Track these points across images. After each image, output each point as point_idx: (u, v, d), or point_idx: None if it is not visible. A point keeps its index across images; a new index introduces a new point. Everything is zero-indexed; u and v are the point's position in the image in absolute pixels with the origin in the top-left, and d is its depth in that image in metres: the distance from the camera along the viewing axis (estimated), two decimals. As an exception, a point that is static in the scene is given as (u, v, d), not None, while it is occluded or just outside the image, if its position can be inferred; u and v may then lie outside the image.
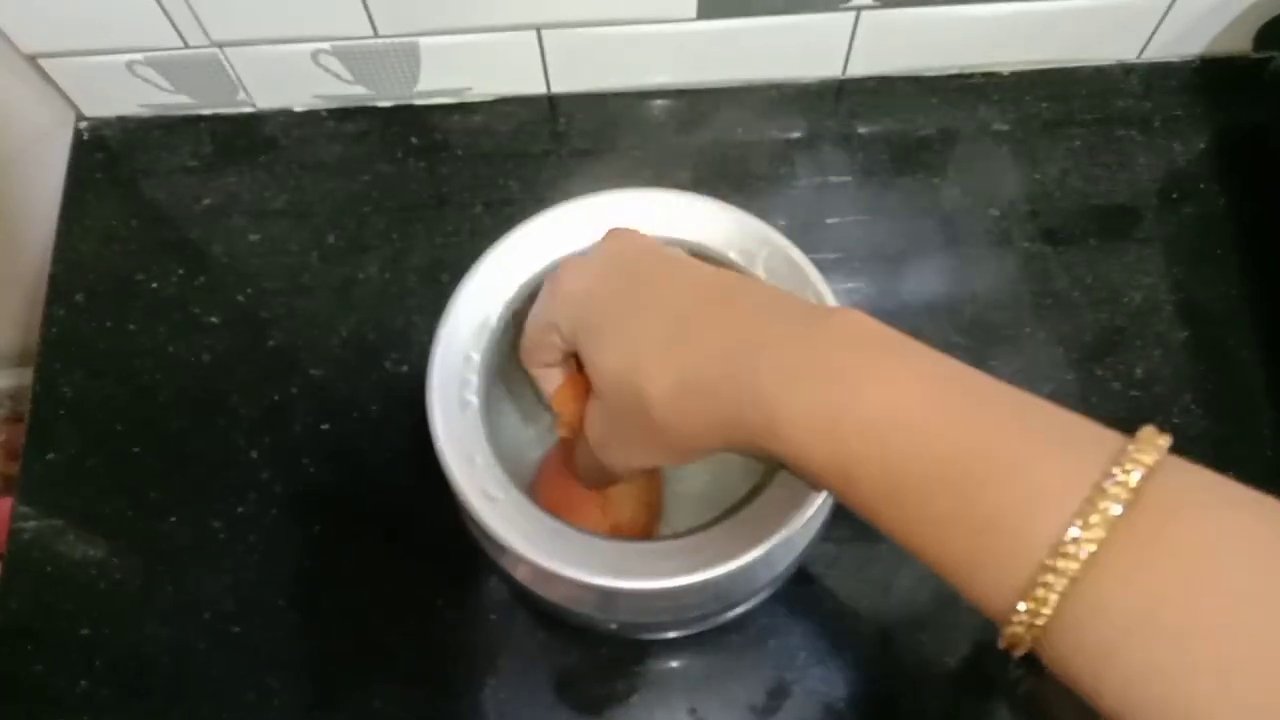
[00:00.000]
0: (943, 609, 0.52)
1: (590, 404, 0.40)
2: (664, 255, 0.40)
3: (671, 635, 0.50)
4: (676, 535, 0.40)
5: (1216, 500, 0.28)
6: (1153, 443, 0.28)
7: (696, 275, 0.38)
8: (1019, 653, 0.29)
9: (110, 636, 0.52)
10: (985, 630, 0.51)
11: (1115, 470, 0.27)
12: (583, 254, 0.42)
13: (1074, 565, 0.26)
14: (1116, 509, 0.26)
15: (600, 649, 0.51)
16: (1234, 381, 0.57)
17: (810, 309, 0.36)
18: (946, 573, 0.30)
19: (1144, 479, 0.27)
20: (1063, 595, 0.27)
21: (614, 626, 0.48)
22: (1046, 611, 0.27)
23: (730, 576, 0.39)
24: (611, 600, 0.41)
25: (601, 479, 0.43)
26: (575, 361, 0.42)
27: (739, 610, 0.48)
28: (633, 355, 0.36)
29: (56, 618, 0.52)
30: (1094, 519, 0.26)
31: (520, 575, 0.43)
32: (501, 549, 0.40)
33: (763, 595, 0.48)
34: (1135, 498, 0.27)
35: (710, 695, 0.50)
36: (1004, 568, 0.28)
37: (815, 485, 0.38)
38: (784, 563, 0.45)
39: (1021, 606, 0.28)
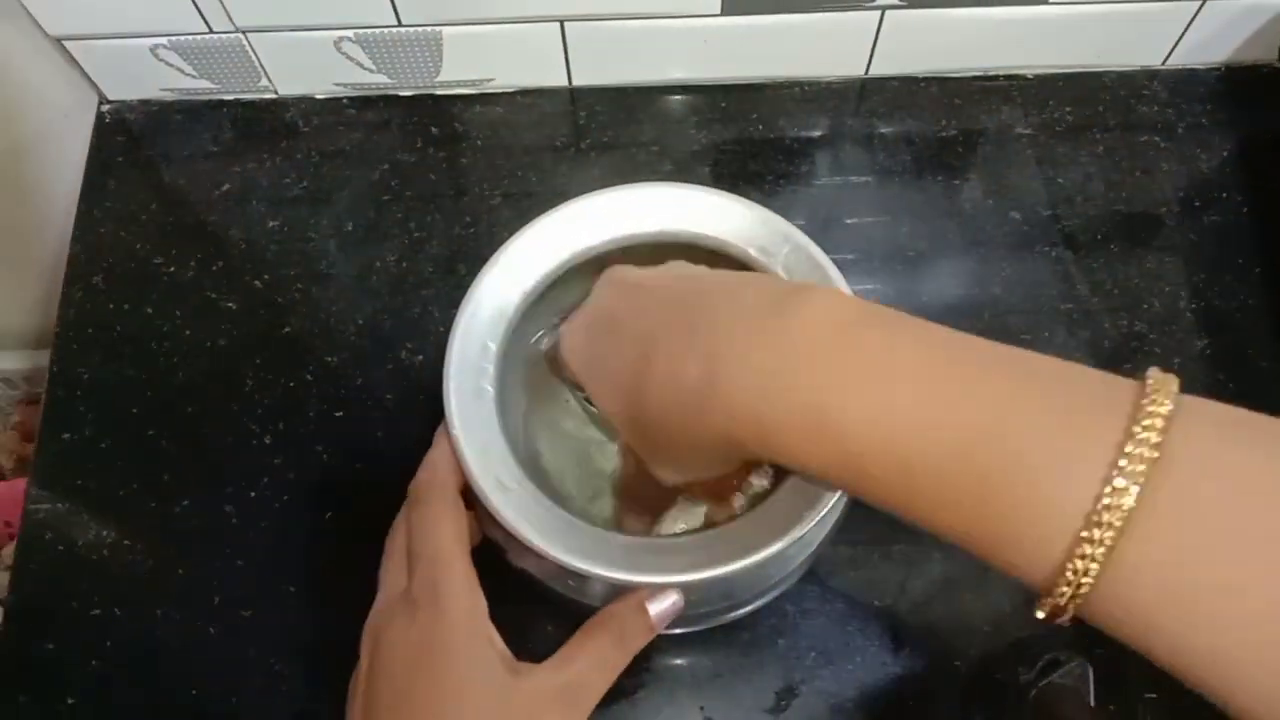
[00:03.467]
0: (953, 611, 0.51)
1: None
2: (631, 286, 0.41)
3: (680, 631, 0.50)
4: (690, 532, 0.40)
5: (1238, 442, 0.27)
6: (1165, 390, 0.27)
7: (663, 289, 0.39)
8: (1062, 620, 0.29)
9: (122, 618, 0.52)
10: (996, 634, 0.51)
11: (1135, 429, 0.26)
12: (582, 306, 0.44)
13: (1110, 533, 0.26)
14: (1142, 468, 0.26)
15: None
16: (1253, 391, 0.56)
17: (777, 297, 0.34)
18: (977, 552, 0.30)
19: (1164, 430, 0.26)
20: (1102, 563, 0.26)
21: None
22: (1088, 581, 0.27)
23: (742, 574, 0.38)
24: (622, 595, 0.41)
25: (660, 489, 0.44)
26: None
27: (749, 608, 0.48)
28: (622, 396, 0.39)
29: (69, 598, 0.52)
30: (1121, 483, 0.26)
31: (531, 566, 0.43)
32: (514, 540, 0.40)
33: (774, 594, 0.48)
34: (1159, 453, 0.26)
35: (718, 693, 0.50)
36: (1039, 544, 0.28)
37: (825, 485, 0.38)
38: (796, 561, 0.45)
39: (1064, 577, 0.27)
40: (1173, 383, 0.28)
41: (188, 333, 0.58)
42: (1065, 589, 0.27)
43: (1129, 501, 0.26)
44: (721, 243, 0.45)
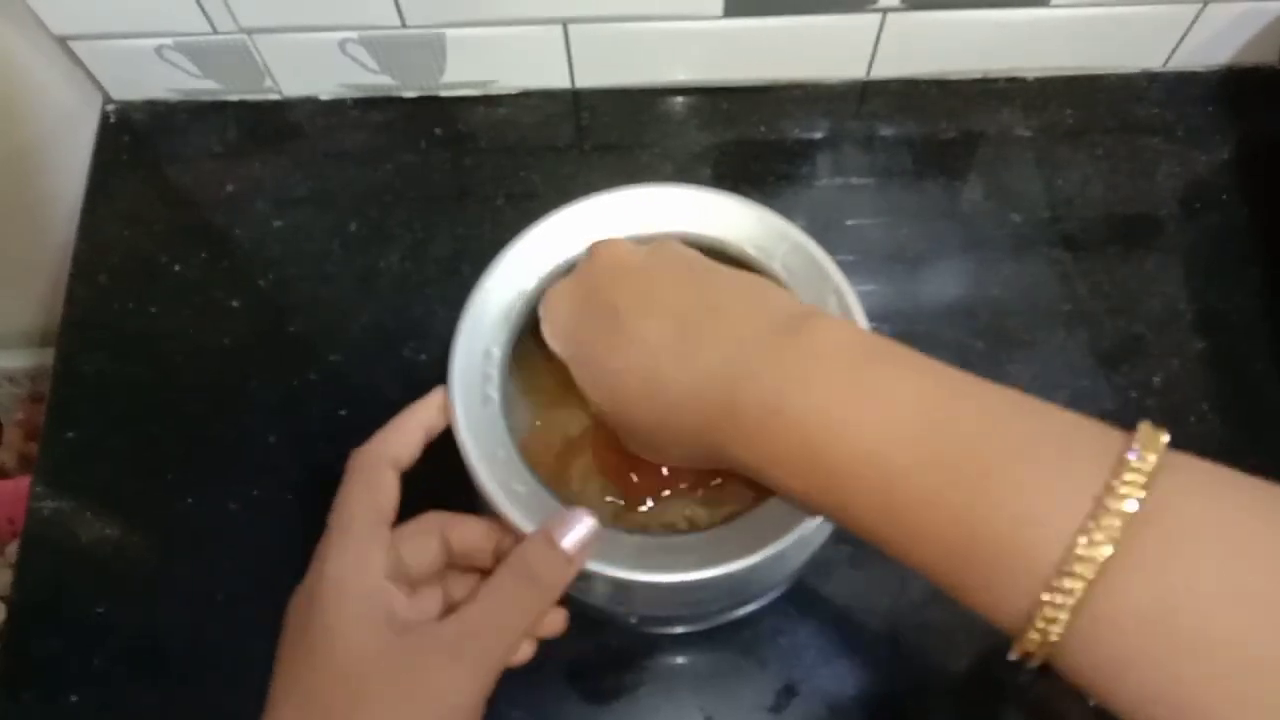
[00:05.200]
0: (953, 612, 0.51)
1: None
2: (634, 277, 0.40)
3: (681, 630, 0.50)
4: (694, 530, 0.40)
5: (1221, 505, 0.27)
6: (1153, 445, 0.27)
7: (669, 289, 0.39)
8: (1033, 664, 0.29)
9: (125, 615, 0.52)
10: (995, 634, 0.51)
11: (1116, 483, 0.27)
12: (567, 276, 0.43)
13: (1080, 584, 0.26)
14: (1118, 523, 0.26)
15: (610, 642, 0.51)
16: (1251, 392, 0.56)
17: (782, 321, 0.35)
18: (952, 590, 0.30)
19: (1146, 486, 0.26)
20: (1073, 611, 0.27)
21: (634, 620, 0.48)
22: (1057, 630, 0.27)
23: (750, 571, 0.39)
24: (630, 592, 0.42)
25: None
26: None
27: (751, 607, 0.48)
28: (608, 391, 0.39)
29: (72, 595, 0.53)
30: (1098, 536, 0.26)
31: None
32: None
33: (775, 593, 0.48)
34: (1139, 508, 0.26)
35: (718, 692, 0.50)
36: (1012, 587, 0.28)
37: (807, 510, 0.38)
38: (798, 560, 0.45)
39: (1034, 624, 0.27)
40: (1161, 437, 0.28)
41: (192, 332, 0.59)
42: (1035, 635, 0.28)
43: (1102, 553, 0.26)
44: (720, 241, 0.45)
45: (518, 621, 0.36)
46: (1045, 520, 0.27)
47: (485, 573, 0.40)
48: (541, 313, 0.43)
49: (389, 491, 0.39)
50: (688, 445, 0.38)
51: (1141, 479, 0.26)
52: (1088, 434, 0.29)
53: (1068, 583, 0.26)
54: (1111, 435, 0.28)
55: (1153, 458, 0.27)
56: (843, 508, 0.32)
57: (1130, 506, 0.26)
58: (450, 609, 0.38)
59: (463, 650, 0.35)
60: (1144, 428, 0.28)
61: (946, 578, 0.30)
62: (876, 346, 0.34)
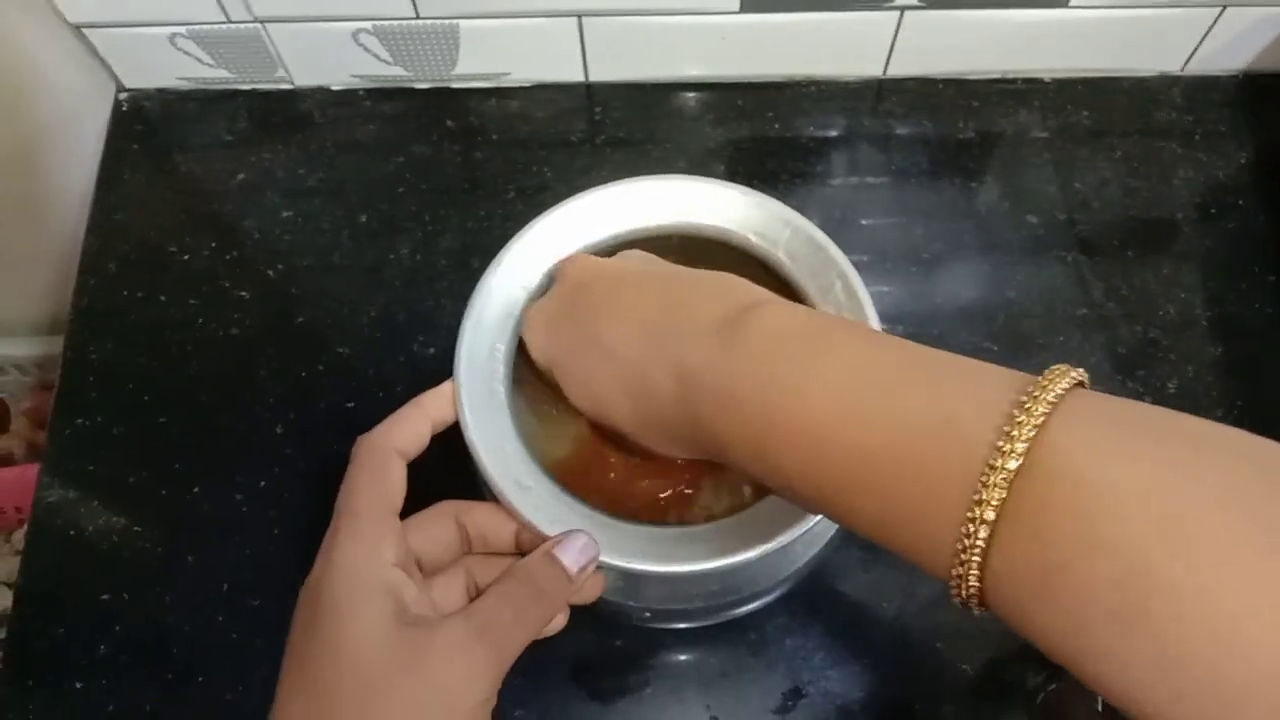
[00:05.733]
0: (961, 615, 0.51)
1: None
2: (599, 289, 0.42)
3: (688, 625, 0.50)
4: (703, 522, 0.40)
5: (1125, 415, 0.28)
6: (1062, 375, 0.28)
7: (632, 306, 0.40)
8: (974, 611, 0.29)
9: (131, 604, 0.52)
10: (1003, 637, 0.51)
11: (1026, 399, 0.27)
12: (544, 297, 0.44)
13: (984, 532, 0.27)
14: (1023, 446, 0.27)
15: (616, 640, 0.51)
16: (1267, 399, 0.56)
17: (731, 313, 0.36)
18: (889, 540, 0.31)
19: (1049, 418, 0.27)
20: (981, 557, 0.27)
21: (644, 614, 0.48)
22: (973, 569, 0.28)
23: (754, 563, 0.39)
24: (637, 584, 0.41)
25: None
26: None
27: (759, 603, 0.48)
28: (594, 401, 0.41)
29: (78, 583, 0.52)
30: (997, 471, 0.27)
31: None
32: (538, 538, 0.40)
33: (783, 589, 0.48)
34: (1040, 441, 0.27)
35: (724, 692, 0.50)
36: (937, 530, 0.29)
37: (778, 490, 0.37)
38: (804, 558, 0.45)
39: (959, 552, 0.28)
40: (1062, 379, 0.28)
41: (201, 321, 0.59)
42: (958, 574, 0.28)
43: (998, 498, 0.27)
44: (722, 230, 0.45)
45: (523, 622, 0.37)
46: (961, 448, 0.28)
47: (507, 556, 0.41)
48: (523, 334, 0.44)
49: (396, 480, 0.39)
50: (677, 441, 0.39)
51: (1051, 397, 0.27)
52: (995, 374, 0.30)
53: (972, 530, 0.27)
54: (1018, 376, 0.30)
55: (1063, 384, 0.28)
56: (788, 482, 0.33)
57: (1031, 432, 0.27)
58: (477, 594, 0.39)
59: (471, 647, 0.35)
60: (1052, 368, 0.29)
61: (884, 527, 0.31)
62: (818, 325, 0.35)
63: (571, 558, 0.38)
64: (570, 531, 0.39)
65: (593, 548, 0.39)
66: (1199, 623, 0.24)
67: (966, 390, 0.30)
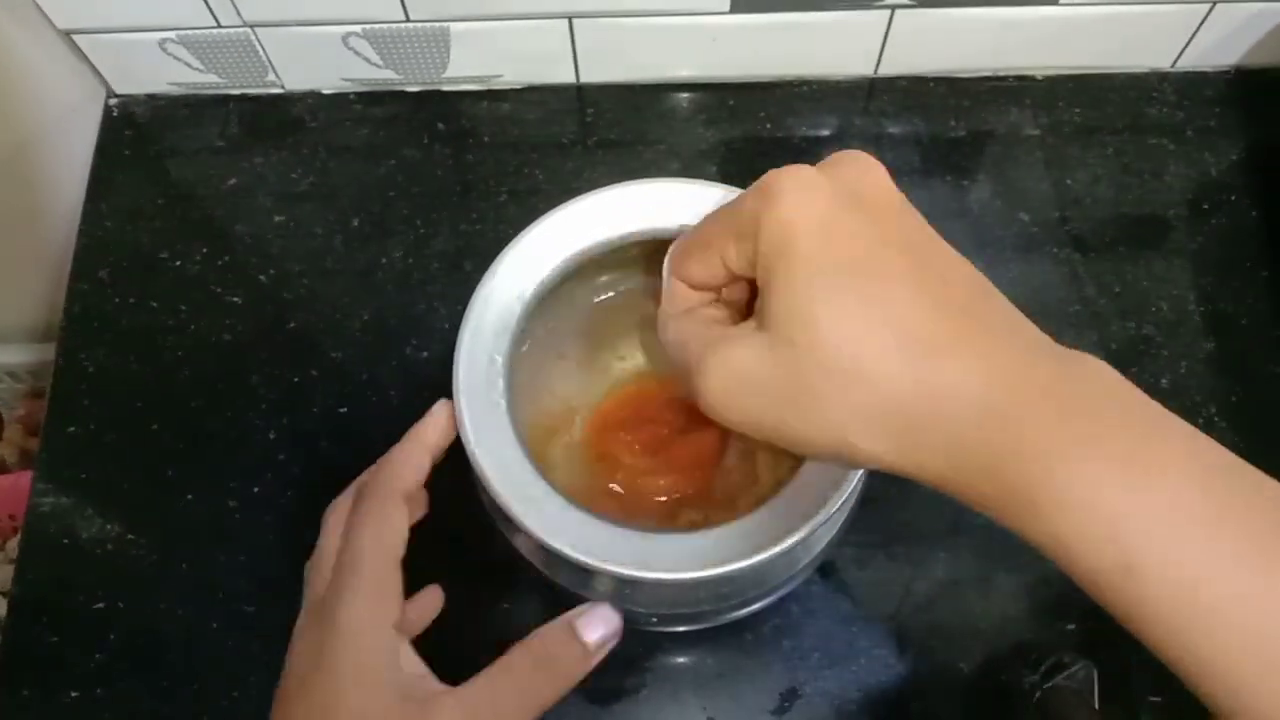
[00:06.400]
0: (958, 613, 0.51)
1: (750, 344, 0.32)
2: (906, 226, 0.34)
3: (685, 629, 0.50)
4: (707, 527, 0.40)
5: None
6: None
7: (944, 268, 0.33)
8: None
9: (125, 611, 0.52)
10: (1000, 637, 0.51)
11: None
12: (806, 168, 0.33)
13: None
14: None
15: (612, 642, 0.51)
16: (1260, 395, 0.56)
17: (1042, 356, 0.31)
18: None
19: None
20: None
21: (654, 620, 0.48)
22: None
23: (750, 571, 0.38)
24: (634, 590, 0.41)
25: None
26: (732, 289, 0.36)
27: (755, 607, 0.48)
28: (849, 360, 0.30)
29: (72, 591, 0.52)
30: None
31: (564, 580, 0.43)
32: (540, 550, 0.40)
33: (780, 593, 0.48)
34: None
35: (721, 693, 0.50)
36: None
37: (1072, 573, 0.29)
38: (802, 561, 0.45)
39: None
40: None
41: (193, 327, 0.58)
42: None
43: None
44: None
45: (528, 704, 0.36)
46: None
47: None
48: (757, 196, 0.32)
49: (399, 527, 0.38)
50: (937, 458, 0.30)
51: None
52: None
53: None
54: None
55: None
56: (1124, 575, 0.28)
57: None
58: None
59: None
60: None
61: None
62: (1147, 405, 0.29)
63: (592, 633, 0.36)
64: (592, 605, 0.38)
65: (615, 620, 0.37)
66: None
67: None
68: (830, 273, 0.30)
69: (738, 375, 0.32)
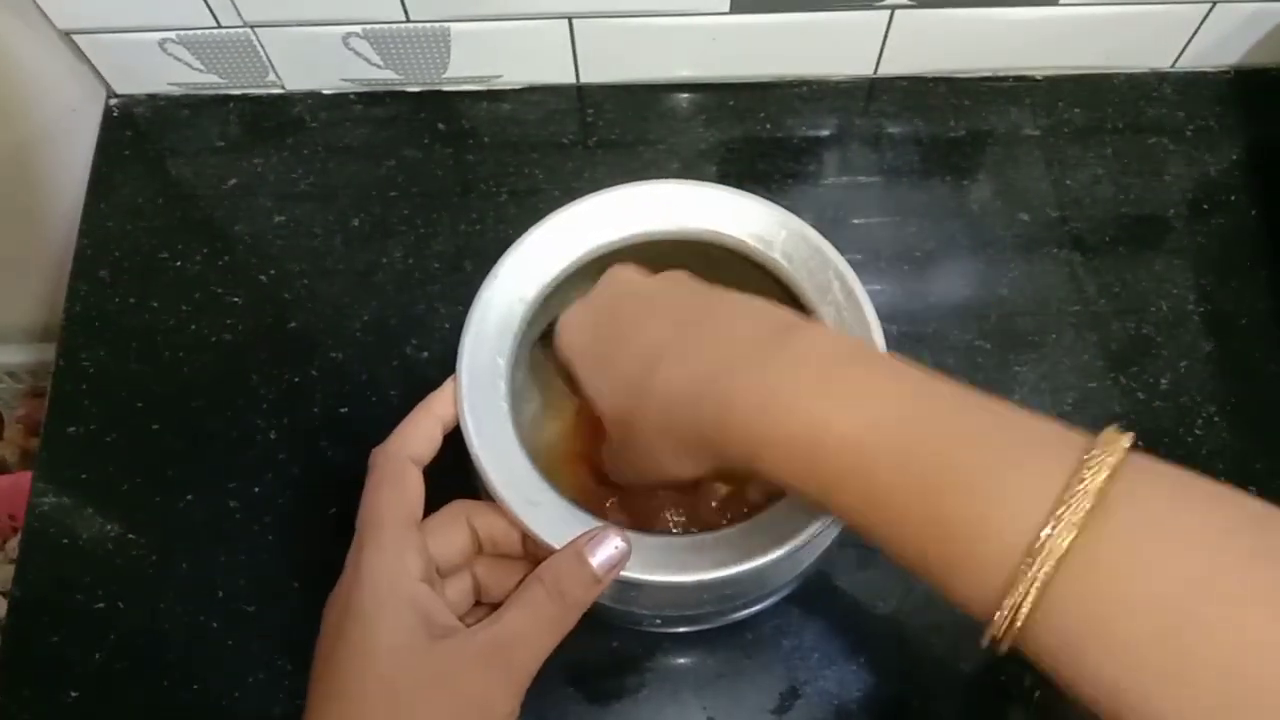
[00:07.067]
0: (957, 613, 0.51)
1: (605, 443, 0.43)
2: (641, 293, 0.42)
3: (686, 630, 0.50)
4: (710, 530, 0.40)
5: (1175, 500, 0.29)
6: (1115, 444, 0.29)
7: (670, 302, 0.41)
8: (1002, 649, 0.30)
9: (125, 612, 0.52)
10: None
11: (1079, 476, 0.28)
12: (584, 300, 0.44)
13: (1047, 567, 0.27)
14: (1080, 515, 0.27)
15: (613, 642, 0.51)
16: (1259, 396, 0.56)
17: (778, 328, 0.37)
18: (927, 576, 0.32)
19: (1106, 481, 0.28)
20: (1038, 595, 0.28)
21: (659, 621, 0.48)
22: (1024, 610, 0.28)
23: (753, 574, 0.38)
24: (637, 593, 0.41)
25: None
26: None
27: (755, 609, 0.48)
28: (615, 397, 0.40)
29: (72, 591, 0.52)
30: (1061, 524, 0.27)
31: None
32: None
33: (780, 595, 0.48)
34: (1099, 500, 0.28)
35: (721, 694, 0.50)
36: (983, 571, 0.29)
37: (801, 499, 0.38)
38: (805, 563, 0.45)
39: (1002, 606, 0.28)
40: (1124, 439, 0.29)
41: (193, 327, 0.58)
42: (1004, 617, 0.28)
43: (1065, 539, 0.27)
44: (717, 234, 0.45)
45: (549, 634, 0.37)
46: (1017, 505, 0.29)
47: (513, 559, 0.41)
48: (557, 330, 0.44)
49: (415, 490, 0.39)
50: (693, 450, 0.38)
51: (1104, 472, 0.28)
52: (1057, 434, 0.31)
53: (1035, 566, 0.28)
54: (1076, 437, 0.30)
55: (1113, 458, 0.28)
56: (827, 494, 0.33)
57: (1092, 500, 0.28)
58: (480, 595, 0.40)
59: (496, 660, 0.36)
60: (1109, 430, 0.30)
61: (926, 562, 0.31)
62: (857, 351, 0.36)
63: (601, 559, 0.38)
64: (602, 528, 0.39)
65: (623, 546, 0.38)
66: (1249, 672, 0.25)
67: (1021, 457, 0.30)
68: (591, 375, 0.42)
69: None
